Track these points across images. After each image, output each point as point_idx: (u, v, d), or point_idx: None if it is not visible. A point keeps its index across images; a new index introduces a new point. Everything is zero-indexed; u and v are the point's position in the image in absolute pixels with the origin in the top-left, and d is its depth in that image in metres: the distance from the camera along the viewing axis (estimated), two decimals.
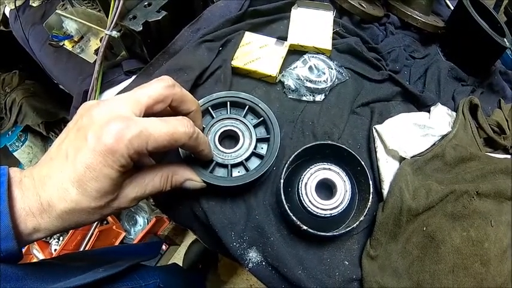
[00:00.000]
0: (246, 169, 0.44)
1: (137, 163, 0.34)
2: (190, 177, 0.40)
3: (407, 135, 0.50)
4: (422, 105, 0.57)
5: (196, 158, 0.41)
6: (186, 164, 0.41)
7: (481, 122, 0.55)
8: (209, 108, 0.46)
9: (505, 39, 0.61)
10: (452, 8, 0.78)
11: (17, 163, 1.40)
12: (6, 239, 0.29)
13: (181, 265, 1.23)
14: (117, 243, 1.24)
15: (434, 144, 0.50)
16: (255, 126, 0.46)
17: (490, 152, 0.54)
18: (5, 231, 0.29)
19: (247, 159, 0.44)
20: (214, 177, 0.41)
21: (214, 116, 0.46)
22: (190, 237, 1.36)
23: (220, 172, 0.44)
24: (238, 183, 0.42)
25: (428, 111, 0.55)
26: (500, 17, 0.68)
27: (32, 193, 0.31)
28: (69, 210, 0.31)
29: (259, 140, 0.46)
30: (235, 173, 0.44)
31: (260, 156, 0.45)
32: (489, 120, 0.57)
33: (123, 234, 1.26)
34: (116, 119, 0.31)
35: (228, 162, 0.43)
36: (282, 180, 0.42)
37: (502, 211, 0.45)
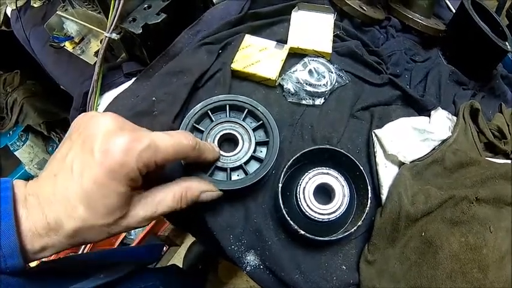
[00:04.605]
0: (245, 173, 0.44)
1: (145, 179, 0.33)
2: (206, 189, 0.39)
3: (407, 139, 0.50)
4: (423, 109, 0.57)
5: (197, 163, 0.40)
6: (189, 171, 0.40)
7: (482, 127, 0.55)
8: (208, 111, 0.46)
9: (506, 43, 0.60)
10: (453, 10, 0.77)
11: (17, 163, 1.41)
12: (12, 257, 0.28)
13: (181, 266, 1.23)
14: (117, 243, 1.24)
15: (434, 149, 0.50)
16: (254, 130, 0.46)
17: (490, 157, 0.53)
18: (11, 249, 0.28)
19: (246, 162, 0.44)
20: (214, 181, 0.41)
21: (214, 120, 0.46)
22: (191, 238, 1.36)
23: (220, 175, 0.44)
24: (237, 186, 0.41)
25: (429, 116, 0.55)
26: (502, 20, 0.68)
27: (38, 212, 0.29)
28: (78, 228, 0.30)
29: (258, 144, 0.46)
30: (235, 176, 0.44)
31: (259, 160, 0.45)
32: (490, 124, 0.56)
33: (123, 234, 1.26)
34: (123, 130, 0.29)
35: (227, 166, 0.43)
36: (280, 185, 0.42)
37: (501, 217, 0.45)
